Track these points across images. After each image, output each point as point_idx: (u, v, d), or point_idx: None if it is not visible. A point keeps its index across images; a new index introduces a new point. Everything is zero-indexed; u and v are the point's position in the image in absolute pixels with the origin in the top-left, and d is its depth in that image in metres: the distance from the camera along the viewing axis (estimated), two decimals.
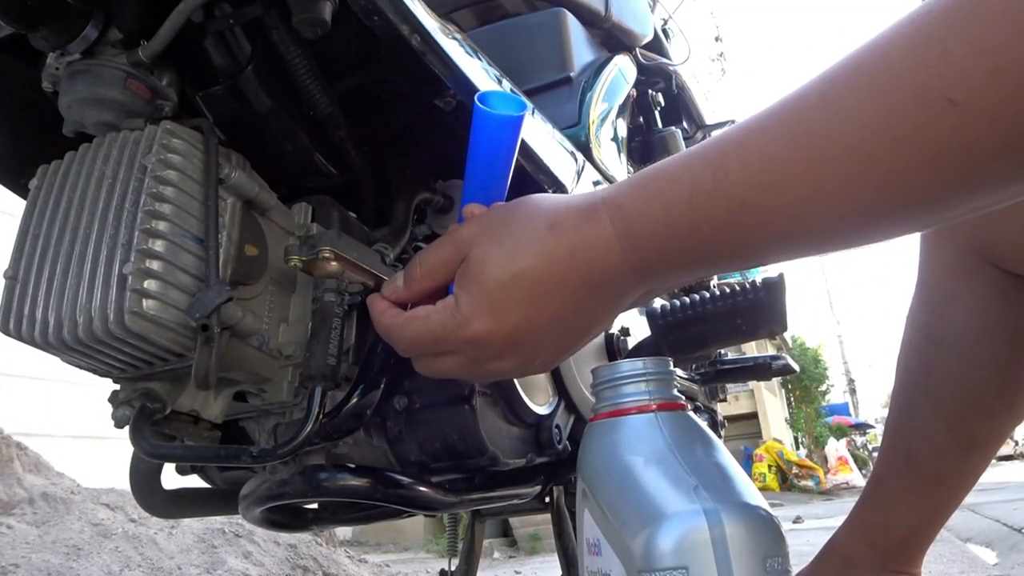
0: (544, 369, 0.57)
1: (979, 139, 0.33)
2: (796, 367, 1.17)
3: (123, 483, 0.76)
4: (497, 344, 0.47)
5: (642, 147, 1.43)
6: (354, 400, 0.62)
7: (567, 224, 0.46)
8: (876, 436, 21.34)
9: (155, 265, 0.48)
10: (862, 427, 20.97)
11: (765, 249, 0.42)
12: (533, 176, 0.69)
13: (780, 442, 13.84)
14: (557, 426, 0.76)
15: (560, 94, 1.08)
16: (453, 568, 1.11)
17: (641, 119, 1.46)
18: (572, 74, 1.10)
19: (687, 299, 0.85)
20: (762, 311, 0.82)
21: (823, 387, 18.83)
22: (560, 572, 1.04)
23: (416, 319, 0.50)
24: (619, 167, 1.12)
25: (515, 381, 0.71)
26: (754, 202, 0.39)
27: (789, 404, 18.74)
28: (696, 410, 1.22)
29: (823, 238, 0.40)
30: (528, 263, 0.46)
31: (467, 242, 0.49)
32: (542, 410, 0.76)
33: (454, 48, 0.58)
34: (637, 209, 0.44)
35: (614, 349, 0.93)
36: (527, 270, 0.46)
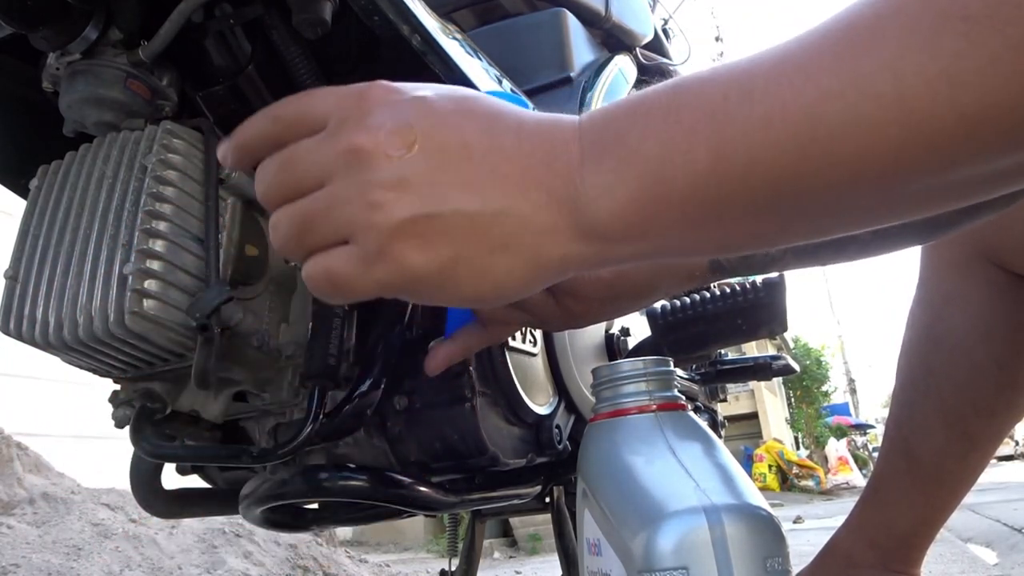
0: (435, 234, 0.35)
1: None
2: (796, 367, 1.17)
3: (123, 483, 0.76)
4: (376, 100, 0.36)
5: None
6: (354, 400, 0.62)
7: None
8: (876, 436, 21.35)
9: (155, 265, 0.48)
10: (862, 427, 20.97)
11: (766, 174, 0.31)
12: None
13: (780, 442, 13.85)
14: (557, 426, 0.76)
15: (560, 94, 1.08)
16: (453, 568, 1.11)
17: None
18: (572, 74, 1.10)
19: (687, 299, 0.85)
20: (762, 311, 0.82)
21: (825, 388, 18.84)
22: (560, 572, 1.04)
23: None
24: None
25: (515, 380, 0.71)
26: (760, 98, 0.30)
27: (789, 404, 18.75)
28: (696, 410, 1.22)
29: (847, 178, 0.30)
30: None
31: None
32: (542, 410, 0.75)
33: (454, 48, 0.58)
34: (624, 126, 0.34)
35: (614, 349, 0.93)
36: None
